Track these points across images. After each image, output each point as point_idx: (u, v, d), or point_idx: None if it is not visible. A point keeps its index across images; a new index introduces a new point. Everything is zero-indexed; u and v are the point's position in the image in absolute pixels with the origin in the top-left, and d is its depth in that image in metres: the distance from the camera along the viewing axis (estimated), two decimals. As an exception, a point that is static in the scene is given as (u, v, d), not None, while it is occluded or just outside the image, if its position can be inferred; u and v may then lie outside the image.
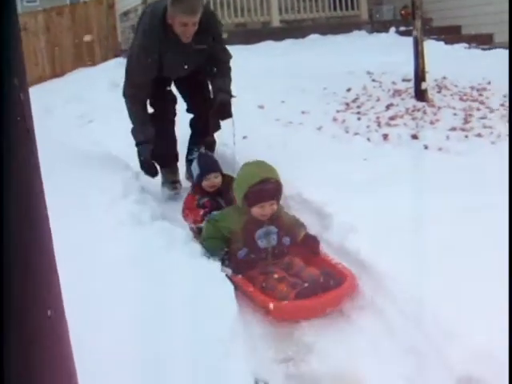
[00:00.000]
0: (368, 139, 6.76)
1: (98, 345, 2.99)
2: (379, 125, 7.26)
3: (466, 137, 6.79)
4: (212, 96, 5.99)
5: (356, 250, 4.20)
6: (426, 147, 6.41)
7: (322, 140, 6.71)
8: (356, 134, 6.97)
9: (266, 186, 4.30)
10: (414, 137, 6.76)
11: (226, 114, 5.81)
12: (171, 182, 6.26)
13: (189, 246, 4.47)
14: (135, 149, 5.65)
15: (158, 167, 6.01)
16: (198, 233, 4.98)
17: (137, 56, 5.47)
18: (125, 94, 5.55)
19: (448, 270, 3.83)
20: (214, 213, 4.85)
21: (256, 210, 4.31)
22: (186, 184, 6.23)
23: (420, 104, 8.01)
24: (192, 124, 6.39)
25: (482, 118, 7.46)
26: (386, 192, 4.97)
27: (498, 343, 3.18)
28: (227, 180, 5.34)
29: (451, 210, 4.57)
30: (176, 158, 6.38)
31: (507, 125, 7.15)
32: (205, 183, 5.33)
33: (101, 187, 5.09)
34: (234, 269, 4.27)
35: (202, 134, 6.24)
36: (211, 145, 6.25)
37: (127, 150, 6.10)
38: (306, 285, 3.97)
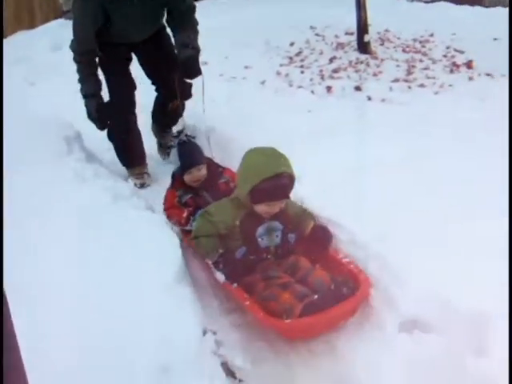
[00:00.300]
0: (312, 92, 6.76)
1: (45, 293, 3.02)
2: (323, 78, 7.26)
3: (409, 87, 6.83)
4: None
5: (300, 199, 4.21)
6: (369, 98, 6.44)
7: (265, 94, 6.70)
8: (299, 87, 6.98)
9: (279, 183, 3.64)
10: (358, 89, 6.78)
11: (193, 71, 5.18)
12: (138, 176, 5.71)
13: (133, 201, 4.45)
14: (78, 109, 5.34)
15: (122, 164, 5.71)
16: (184, 235, 4.36)
17: (78, 7, 5.02)
18: (72, 49, 5.12)
19: (393, 216, 3.89)
20: (208, 207, 4.08)
21: (262, 208, 3.73)
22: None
23: (363, 56, 8.05)
24: (158, 99, 5.81)
25: (425, 68, 7.51)
26: (329, 143, 5.00)
27: (445, 288, 3.24)
28: (212, 168, 4.81)
29: (394, 159, 4.61)
30: (144, 157, 5.79)
31: (450, 75, 7.22)
32: (187, 178, 4.66)
33: (44, 147, 5.01)
34: (229, 273, 3.70)
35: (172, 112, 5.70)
36: (175, 111, 5.67)
37: (70, 110, 6.00)
38: (316, 296, 3.36)
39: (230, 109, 6.01)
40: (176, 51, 5.26)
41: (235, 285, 3.65)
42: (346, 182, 4.27)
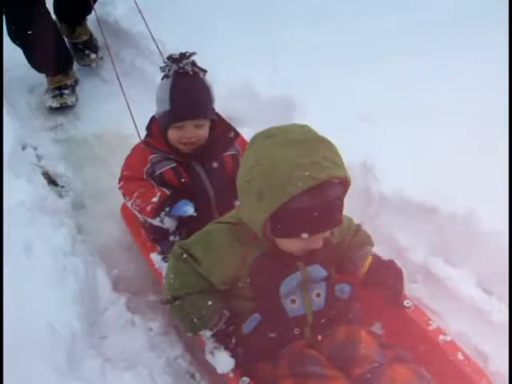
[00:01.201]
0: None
1: None
2: None
3: None
4: None
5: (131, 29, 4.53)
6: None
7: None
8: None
9: (327, 198, 1.91)
10: None
11: None
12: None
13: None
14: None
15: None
16: (149, 230, 2.95)
17: None
18: None
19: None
20: (188, 242, 2.28)
21: (291, 244, 2.07)
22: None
23: None
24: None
25: None
26: None
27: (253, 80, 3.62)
28: (218, 129, 2.92)
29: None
30: (70, 60, 4.54)
31: None
32: (174, 135, 2.81)
33: None
34: (243, 357, 2.19)
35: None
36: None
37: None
38: None
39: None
40: None
41: (246, 380, 2.13)
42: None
